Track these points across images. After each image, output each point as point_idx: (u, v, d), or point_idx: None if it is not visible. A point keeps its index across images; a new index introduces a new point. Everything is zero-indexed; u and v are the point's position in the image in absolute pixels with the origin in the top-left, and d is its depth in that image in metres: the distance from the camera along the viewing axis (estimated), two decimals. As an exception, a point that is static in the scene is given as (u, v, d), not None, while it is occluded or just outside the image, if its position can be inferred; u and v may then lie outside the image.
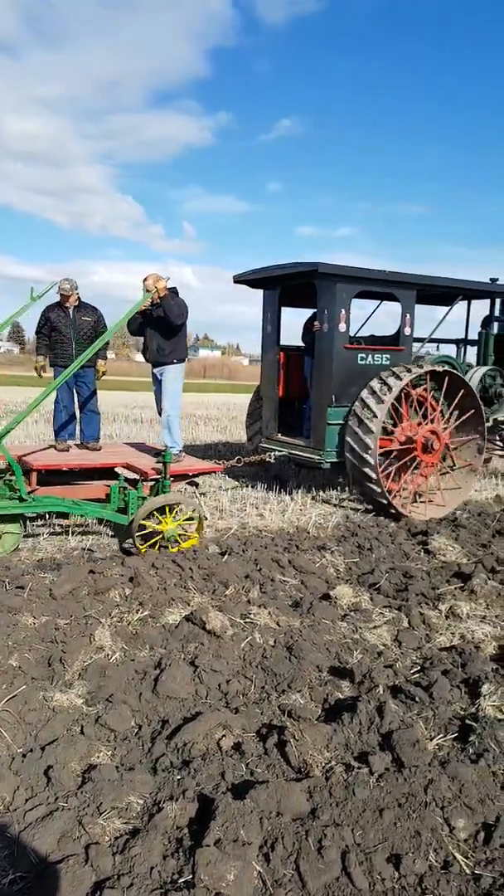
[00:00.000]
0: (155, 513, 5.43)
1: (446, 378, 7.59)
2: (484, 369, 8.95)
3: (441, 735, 2.92)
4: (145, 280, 6.29)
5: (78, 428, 7.22)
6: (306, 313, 8.92)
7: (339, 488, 8.55)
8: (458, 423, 7.72)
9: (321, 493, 8.40)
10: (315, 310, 7.91)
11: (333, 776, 2.52)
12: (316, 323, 7.56)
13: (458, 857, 2.26)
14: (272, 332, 8.46)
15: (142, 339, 6.93)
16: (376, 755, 2.66)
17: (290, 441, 8.16)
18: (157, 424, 8.25)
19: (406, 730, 2.80)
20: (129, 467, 6.30)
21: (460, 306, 9.26)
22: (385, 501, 7.07)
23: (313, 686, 3.27)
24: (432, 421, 7.42)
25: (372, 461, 6.95)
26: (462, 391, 7.62)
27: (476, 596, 4.62)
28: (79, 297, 7.04)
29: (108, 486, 5.80)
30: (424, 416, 7.45)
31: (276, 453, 7.82)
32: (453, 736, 2.92)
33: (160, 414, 6.94)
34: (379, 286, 7.66)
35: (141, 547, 5.29)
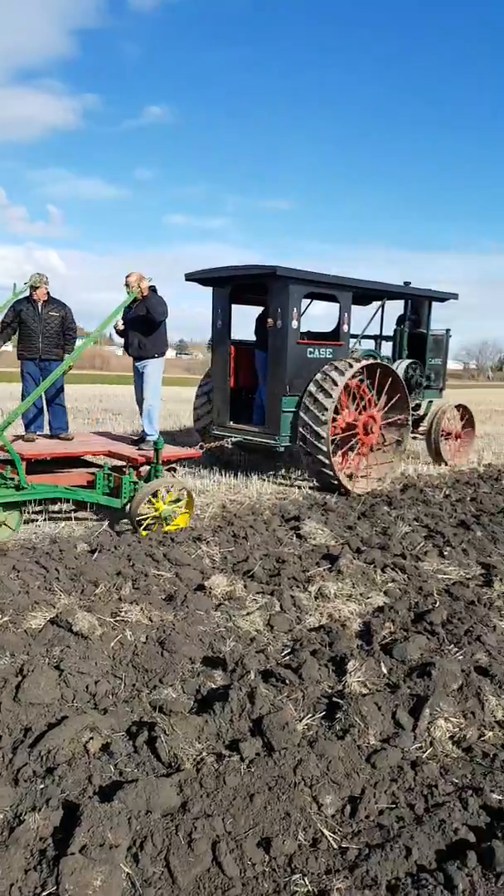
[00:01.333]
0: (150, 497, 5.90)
1: (378, 370, 8.58)
2: (407, 362, 10.16)
3: (310, 715, 2.99)
4: (128, 278, 6.77)
5: (46, 420, 7.54)
6: (244, 310, 9.80)
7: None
8: (387, 408, 8.75)
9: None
10: (261, 307, 9.16)
11: (204, 767, 2.52)
12: (269, 320, 8.19)
13: (326, 832, 2.33)
14: (223, 327, 9.04)
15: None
16: (247, 741, 2.68)
17: (243, 428, 8.88)
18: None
19: (276, 713, 2.84)
20: (113, 455, 6.73)
21: (374, 306, 10.28)
22: (335, 480, 7.96)
23: (186, 678, 3.25)
24: (365, 408, 8.42)
25: (324, 447, 7.82)
26: (391, 381, 8.68)
27: (343, 576, 4.77)
28: (48, 292, 7.28)
29: (92, 473, 6.25)
30: (358, 404, 8.37)
31: (233, 439, 8.55)
32: (321, 715, 2.99)
33: (139, 404, 7.56)
34: (324, 288, 8.59)
35: (142, 531, 5.79)
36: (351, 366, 8.15)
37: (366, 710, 2.92)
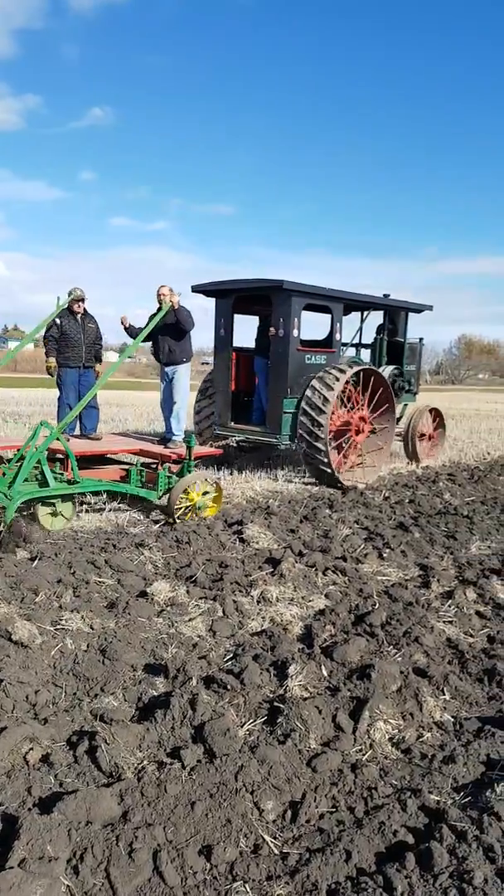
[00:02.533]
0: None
1: (371, 375, 9.37)
2: (390, 368, 10.98)
3: (251, 720, 3.01)
4: (161, 290, 7.66)
5: (78, 422, 8.16)
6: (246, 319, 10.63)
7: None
8: (377, 410, 9.54)
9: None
10: (255, 316, 10.33)
11: (145, 776, 2.50)
12: (272, 328, 8.93)
13: (268, 838, 2.34)
14: (225, 335, 9.76)
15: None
16: (188, 749, 2.68)
17: (244, 427, 9.70)
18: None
19: (218, 719, 2.84)
20: (144, 453, 7.59)
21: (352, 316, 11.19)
22: (330, 471, 8.72)
23: (127, 686, 3.23)
24: (355, 409, 9.21)
25: (322, 444, 8.56)
26: (380, 386, 9.52)
27: (285, 579, 4.81)
28: (85, 308, 8.04)
29: (124, 469, 7.01)
30: (349, 405, 9.15)
31: (236, 438, 9.37)
32: (263, 720, 3.01)
33: (162, 406, 8.45)
34: (320, 300, 9.33)
35: (177, 519, 6.52)
36: (345, 371, 8.92)
37: (307, 714, 2.95)
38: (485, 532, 6.71)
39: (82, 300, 7.90)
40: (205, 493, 6.83)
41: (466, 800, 2.53)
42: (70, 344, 7.97)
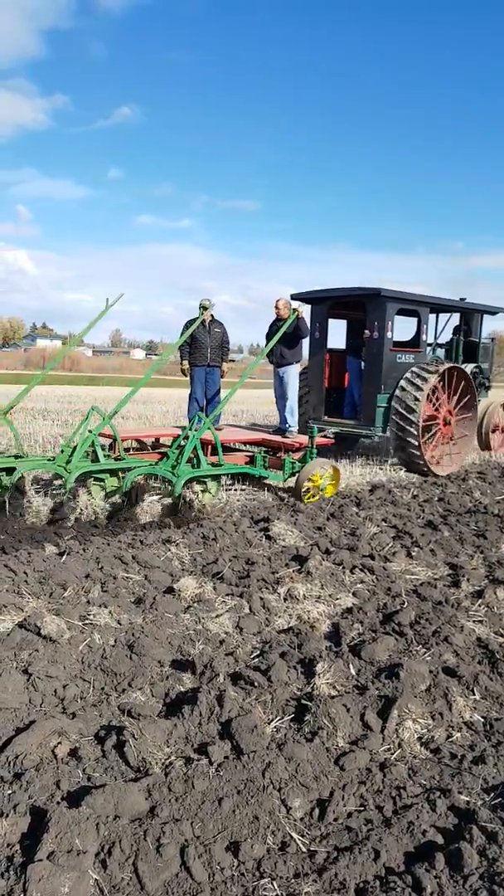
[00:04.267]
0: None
1: (455, 372, 10.30)
2: (471, 366, 11.77)
3: (279, 717, 3.00)
4: (279, 304, 9.14)
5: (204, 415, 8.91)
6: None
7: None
8: (460, 405, 10.50)
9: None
10: (341, 319, 11.67)
11: (173, 771, 2.51)
12: (367, 331, 9.99)
13: (295, 836, 2.33)
14: (320, 337, 10.76)
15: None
16: (216, 745, 2.68)
17: (337, 421, 10.74)
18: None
19: (245, 716, 2.84)
20: (267, 442, 8.92)
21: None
22: (422, 462, 9.72)
23: (154, 682, 3.23)
24: (442, 404, 10.13)
25: (416, 433, 9.50)
26: (463, 383, 10.44)
27: (312, 577, 4.78)
28: (212, 315, 9.32)
29: (248, 455, 8.22)
30: (434, 401, 10.00)
31: (332, 430, 9.92)
32: (290, 717, 3.00)
33: (278, 400, 9.71)
34: (410, 305, 10.29)
35: (304, 499, 7.67)
36: (437, 369, 9.85)
37: (334, 712, 2.93)
38: (515, 531, 6.60)
39: (207, 308, 9.18)
40: (325, 476, 8.00)
41: (497, 801, 2.49)
42: (197, 346, 9.28)
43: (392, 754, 2.82)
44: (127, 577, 4.54)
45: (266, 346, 9.13)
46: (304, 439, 8.60)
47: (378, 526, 6.54)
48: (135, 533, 5.88)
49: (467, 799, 2.49)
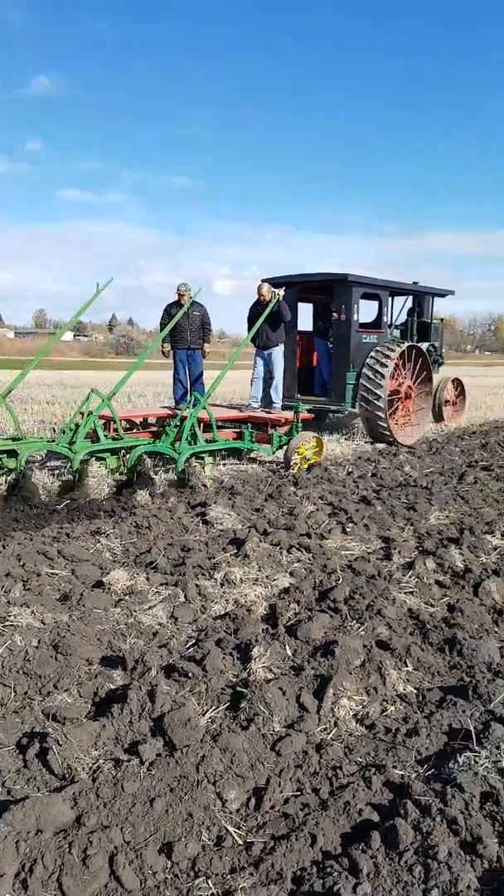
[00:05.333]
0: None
1: (412, 350, 11.13)
2: (426, 345, 12.53)
3: (214, 707, 2.91)
4: (261, 289, 9.80)
5: (189, 396, 9.58)
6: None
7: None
8: (418, 381, 11.34)
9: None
10: (309, 304, 12.43)
11: (101, 776, 2.39)
12: (334, 314, 10.80)
13: (231, 829, 2.26)
14: (291, 320, 10.97)
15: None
16: (147, 743, 2.57)
17: (310, 398, 11.43)
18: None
19: (178, 710, 2.74)
20: (253, 418, 9.39)
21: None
22: (389, 433, 10.54)
23: (82, 682, 3.10)
24: (404, 380, 11.03)
25: (383, 406, 10.29)
26: (421, 360, 11.30)
27: (249, 560, 4.71)
28: (191, 297, 9.66)
29: (236, 431, 8.74)
30: (396, 376, 10.76)
31: (306, 407, 10.23)
32: (226, 706, 2.92)
33: (258, 381, 10.35)
34: (373, 289, 11.08)
35: (294, 468, 8.30)
36: (394, 348, 10.65)
37: (270, 697, 2.87)
38: (442, 502, 6.69)
39: (181, 292, 9.77)
40: (310, 448, 8.66)
41: (430, 772, 2.47)
42: (177, 329, 9.71)
43: (328, 734, 2.77)
44: (52, 574, 4.36)
45: (250, 330, 9.66)
46: (289, 415, 9.20)
47: (315, 504, 6.51)
48: (60, 526, 5.68)
49: (402, 773, 2.46)
